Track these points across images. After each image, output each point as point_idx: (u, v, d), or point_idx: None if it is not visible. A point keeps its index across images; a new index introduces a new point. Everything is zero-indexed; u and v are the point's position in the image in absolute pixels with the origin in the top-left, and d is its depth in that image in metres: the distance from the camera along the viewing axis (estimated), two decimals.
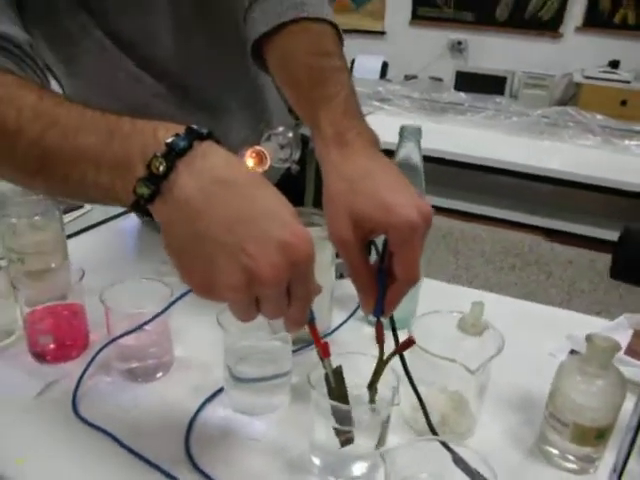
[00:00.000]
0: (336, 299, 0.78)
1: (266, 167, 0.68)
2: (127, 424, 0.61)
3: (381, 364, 0.54)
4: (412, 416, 0.61)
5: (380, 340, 0.54)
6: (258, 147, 0.68)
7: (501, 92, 3.09)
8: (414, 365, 0.60)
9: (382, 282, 0.54)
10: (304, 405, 0.58)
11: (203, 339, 0.70)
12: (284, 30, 0.68)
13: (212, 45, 0.87)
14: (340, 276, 0.80)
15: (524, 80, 3.07)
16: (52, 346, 0.69)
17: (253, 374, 0.63)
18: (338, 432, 0.52)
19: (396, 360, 0.56)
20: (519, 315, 0.86)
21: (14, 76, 0.55)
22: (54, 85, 0.92)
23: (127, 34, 0.82)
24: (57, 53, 0.83)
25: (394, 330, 0.58)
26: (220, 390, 0.65)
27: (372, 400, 0.54)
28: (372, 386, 0.54)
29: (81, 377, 0.66)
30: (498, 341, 0.59)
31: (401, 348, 0.55)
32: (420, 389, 0.61)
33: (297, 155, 0.77)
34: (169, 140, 0.44)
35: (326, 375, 0.52)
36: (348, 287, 0.59)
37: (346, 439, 0.52)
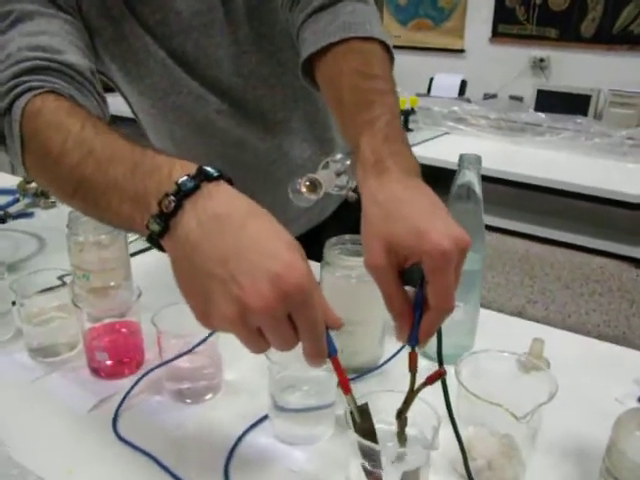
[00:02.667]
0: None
1: (320, 195, 0.68)
2: (169, 444, 0.62)
3: (411, 394, 0.53)
4: (457, 458, 0.58)
5: (413, 369, 0.53)
6: (312, 175, 0.68)
7: (585, 111, 2.96)
8: (462, 405, 0.58)
9: (418, 311, 0.53)
10: (346, 438, 0.56)
11: (253, 365, 0.70)
12: (332, 50, 0.69)
13: (269, 65, 0.89)
14: None
15: (610, 99, 2.92)
16: (108, 362, 0.72)
17: (296, 404, 0.63)
18: (367, 471, 0.51)
19: (441, 400, 0.54)
20: (586, 354, 0.81)
21: (68, 102, 0.62)
22: (122, 105, 0.97)
23: (188, 55, 0.86)
24: (125, 74, 0.88)
25: (440, 364, 0.55)
26: (265, 417, 0.65)
27: (401, 438, 0.53)
28: (400, 416, 0.53)
29: (124, 398, 0.68)
30: (552, 386, 0.56)
31: (431, 379, 0.53)
32: (468, 430, 0.59)
33: (354, 183, 0.77)
34: (179, 180, 0.46)
35: (350, 412, 0.51)
36: None
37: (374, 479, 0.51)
